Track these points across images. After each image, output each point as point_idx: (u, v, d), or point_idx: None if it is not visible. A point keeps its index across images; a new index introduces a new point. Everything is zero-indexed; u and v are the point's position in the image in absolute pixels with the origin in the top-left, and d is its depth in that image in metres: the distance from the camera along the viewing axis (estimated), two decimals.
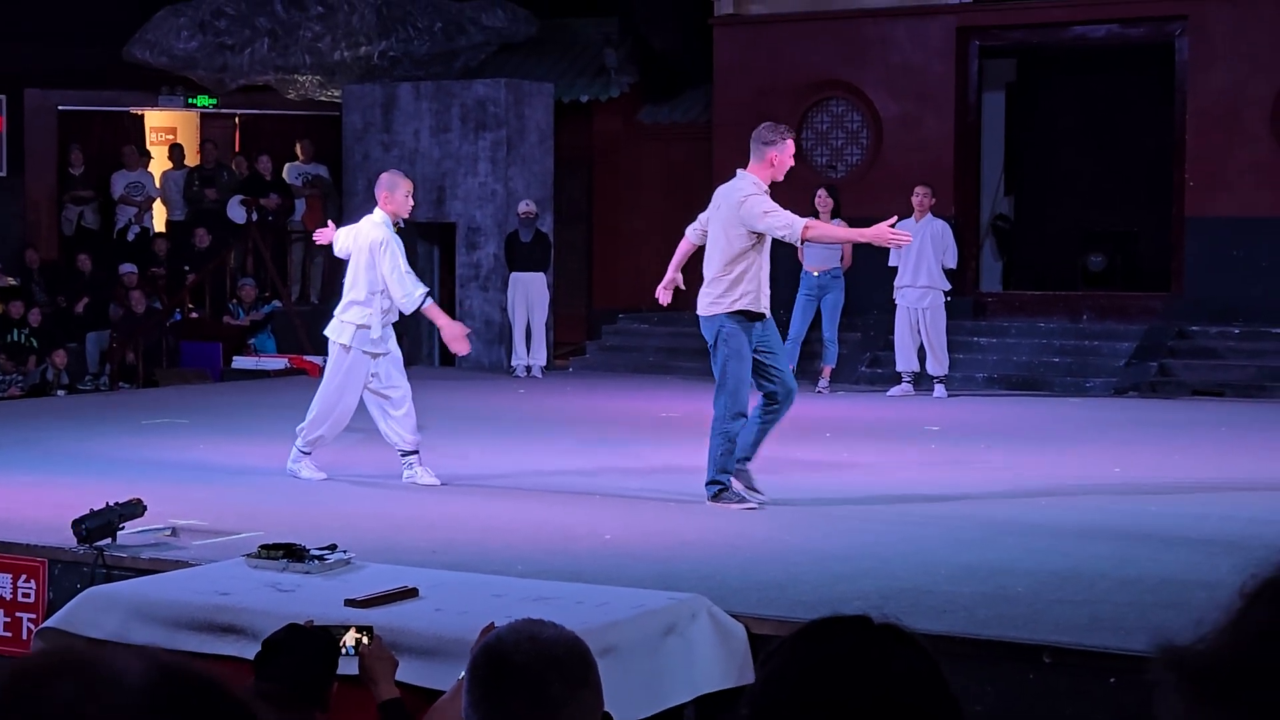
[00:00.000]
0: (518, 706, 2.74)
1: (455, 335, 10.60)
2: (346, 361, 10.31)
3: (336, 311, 10.47)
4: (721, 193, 9.56)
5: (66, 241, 22.21)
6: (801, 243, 9.56)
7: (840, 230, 10.20)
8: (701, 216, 9.80)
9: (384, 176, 10.66)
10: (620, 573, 7.37)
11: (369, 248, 10.29)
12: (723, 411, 9.41)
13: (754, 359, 9.41)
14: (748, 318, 9.39)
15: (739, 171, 9.57)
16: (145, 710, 1.00)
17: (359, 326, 10.27)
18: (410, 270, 10.36)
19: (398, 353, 10.48)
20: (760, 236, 9.38)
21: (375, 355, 10.29)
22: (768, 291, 9.49)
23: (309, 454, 10.46)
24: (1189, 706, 0.99)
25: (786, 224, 9.27)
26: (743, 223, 9.32)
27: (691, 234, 9.92)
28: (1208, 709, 0.98)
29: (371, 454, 10.79)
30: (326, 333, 10.50)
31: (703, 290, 9.50)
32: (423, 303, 10.28)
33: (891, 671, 1.74)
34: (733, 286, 9.36)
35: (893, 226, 9.46)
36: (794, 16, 19.84)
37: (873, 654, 1.75)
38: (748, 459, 9.55)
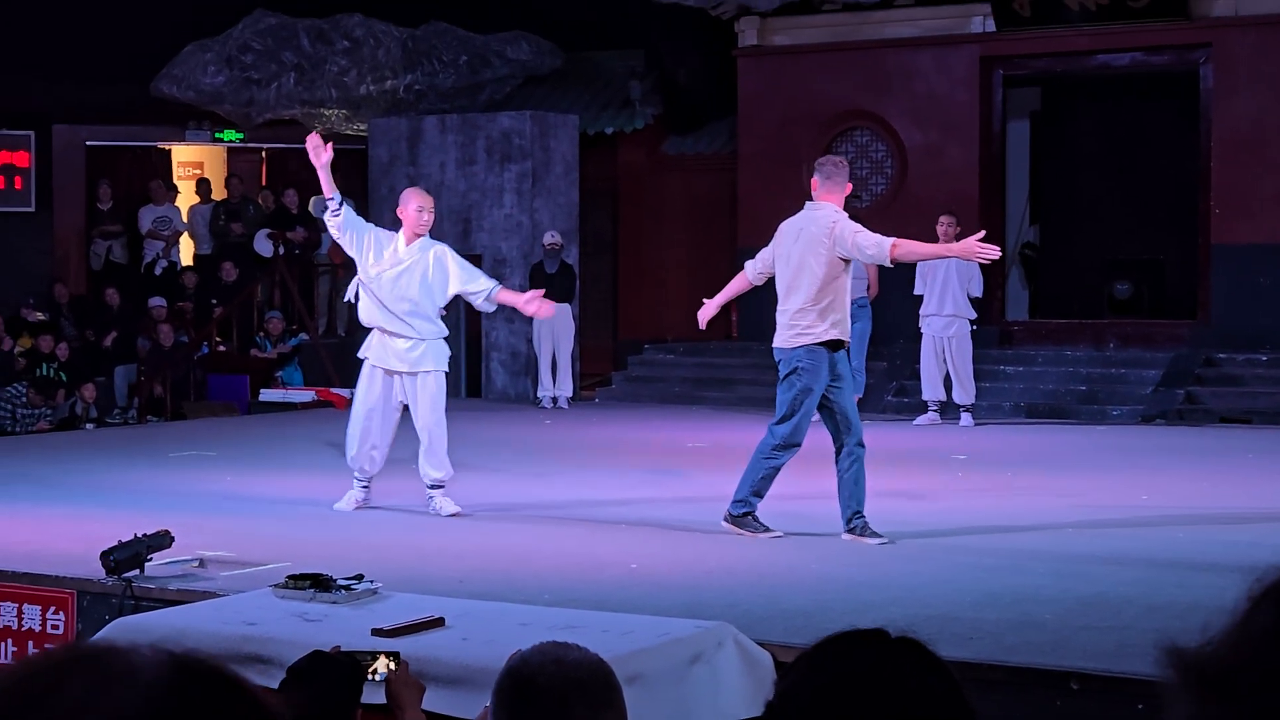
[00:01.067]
0: None
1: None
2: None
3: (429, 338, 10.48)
4: (795, 225, 9.44)
5: (95, 276, 22.34)
6: (891, 262, 9.54)
7: (927, 246, 10.07)
8: (764, 255, 9.69)
9: (402, 193, 10.79)
10: (646, 601, 7.37)
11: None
12: (779, 440, 9.35)
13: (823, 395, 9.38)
14: (831, 347, 9.35)
15: (811, 203, 9.54)
16: (159, 704, 1.01)
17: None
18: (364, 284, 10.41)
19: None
20: (847, 262, 9.38)
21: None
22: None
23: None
24: (1194, 708, 1.00)
25: (876, 243, 9.28)
26: (837, 247, 9.30)
27: (751, 273, 9.78)
28: (1212, 710, 0.99)
29: (398, 484, 10.81)
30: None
31: (786, 322, 9.35)
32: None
33: (908, 687, 1.74)
34: (822, 316, 9.32)
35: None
36: (818, 47, 19.89)
37: (890, 669, 1.76)
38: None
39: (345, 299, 10.80)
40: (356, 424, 10.49)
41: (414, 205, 10.39)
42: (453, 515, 10.19)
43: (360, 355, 10.57)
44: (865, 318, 16.89)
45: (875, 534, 9.22)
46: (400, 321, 10.28)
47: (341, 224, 10.46)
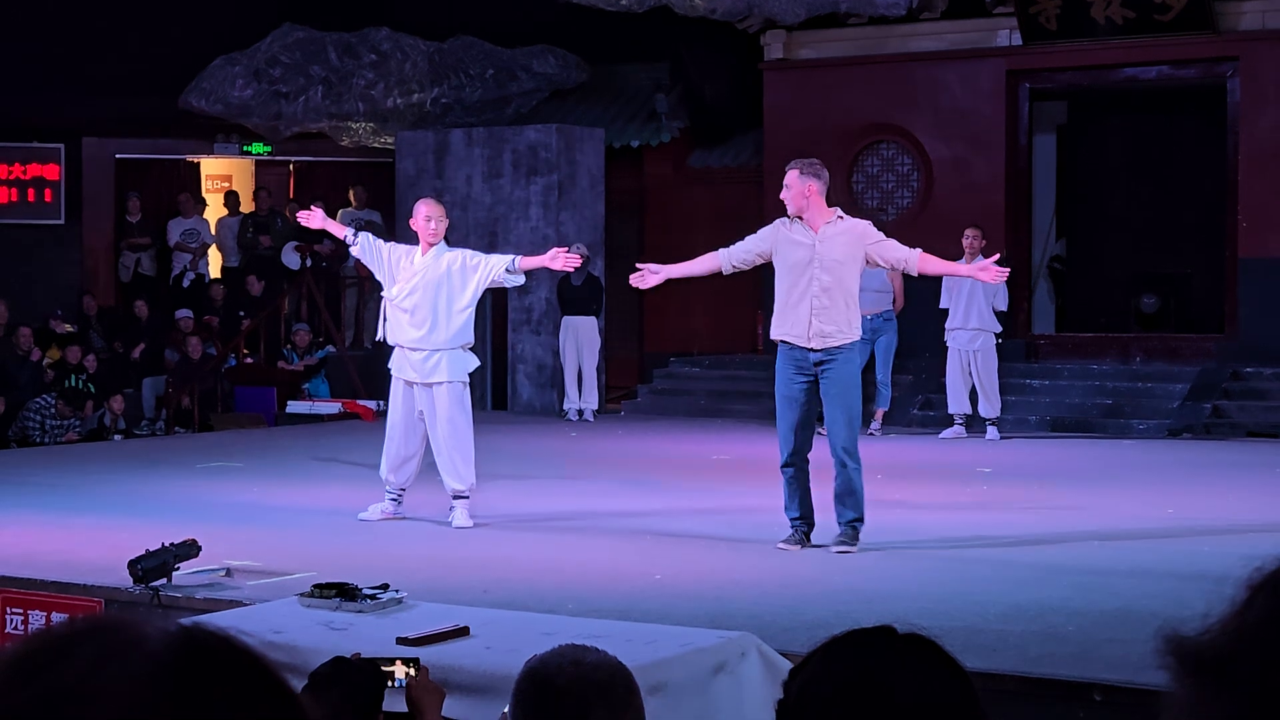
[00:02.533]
0: None
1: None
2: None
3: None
4: (825, 229, 9.50)
5: (123, 288, 22.45)
6: (917, 274, 9.67)
7: (946, 264, 10.20)
8: (753, 251, 9.75)
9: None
10: (670, 611, 7.39)
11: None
12: (855, 444, 9.40)
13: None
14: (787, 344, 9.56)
15: (834, 209, 9.60)
16: (167, 674, 1.02)
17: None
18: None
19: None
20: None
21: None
22: None
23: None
24: (1191, 695, 1.02)
25: (906, 255, 9.49)
26: (878, 253, 9.45)
27: (725, 264, 9.87)
28: (1208, 696, 1.01)
29: (424, 496, 10.84)
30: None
31: (830, 321, 9.37)
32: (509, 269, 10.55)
33: (918, 682, 1.76)
34: (857, 314, 9.52)
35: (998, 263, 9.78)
36: (844, 61, 19.90)
37: (899, 665, 1.77)
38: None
39: (378, 338, 10.88)
40: (388, 437, 10.60)
41: (423, 215, 10.50)
42: (460, 528, 10.21)
43: (389, 366, 10.70)
44: (891, 330, 16.89)
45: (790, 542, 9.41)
46: (417, 333, 10.37)
47: (359, 253, 10.66)
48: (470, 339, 10.54)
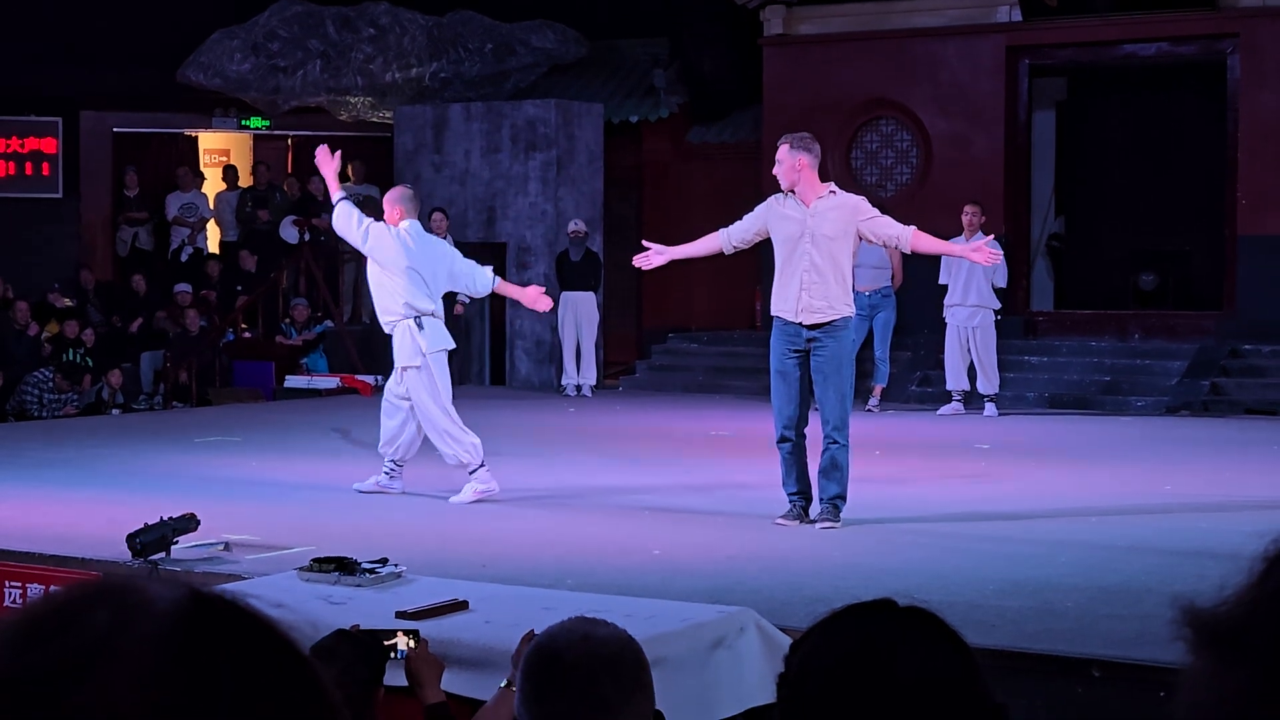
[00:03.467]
0: (570, 705, 2.76)
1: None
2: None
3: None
4: (817, 204, 9.48)
5: (121, 262, 22.42)
6: (910, 251, 9.67)
7: (939, 243, 10.14)
8: (750, 229, 9.75)
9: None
10: (669, 587, 7.39)
11: None
12: (845, 422, 9.40)
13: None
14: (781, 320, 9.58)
15: (828, 184, 9.59)
16: (179, 638, 1.02)
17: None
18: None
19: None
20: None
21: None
22: None
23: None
24: (1206, 665, 1.02)
25: (900, 231, 9.52)
26: (870, 230, 9.46)
27: (726, 244, 9.86)
28: (1225, 668, 1.01)
29: (423, 471, 10.84)
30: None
31: (819, 296, 9.36)
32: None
33: (920, 654, 1.76)
34: (848, 290, 9.49)
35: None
36: (843, 36, 19.86)
37: (901, 637, 1.77)
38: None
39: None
40: (383, 412, 10.69)
41: (386, 203, 10.57)
42: (458, 501, 10.23)
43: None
44: (890, 307, 16.90)
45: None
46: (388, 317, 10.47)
47: (341, 219, 10.74)
48: (416, 313, 10.50)
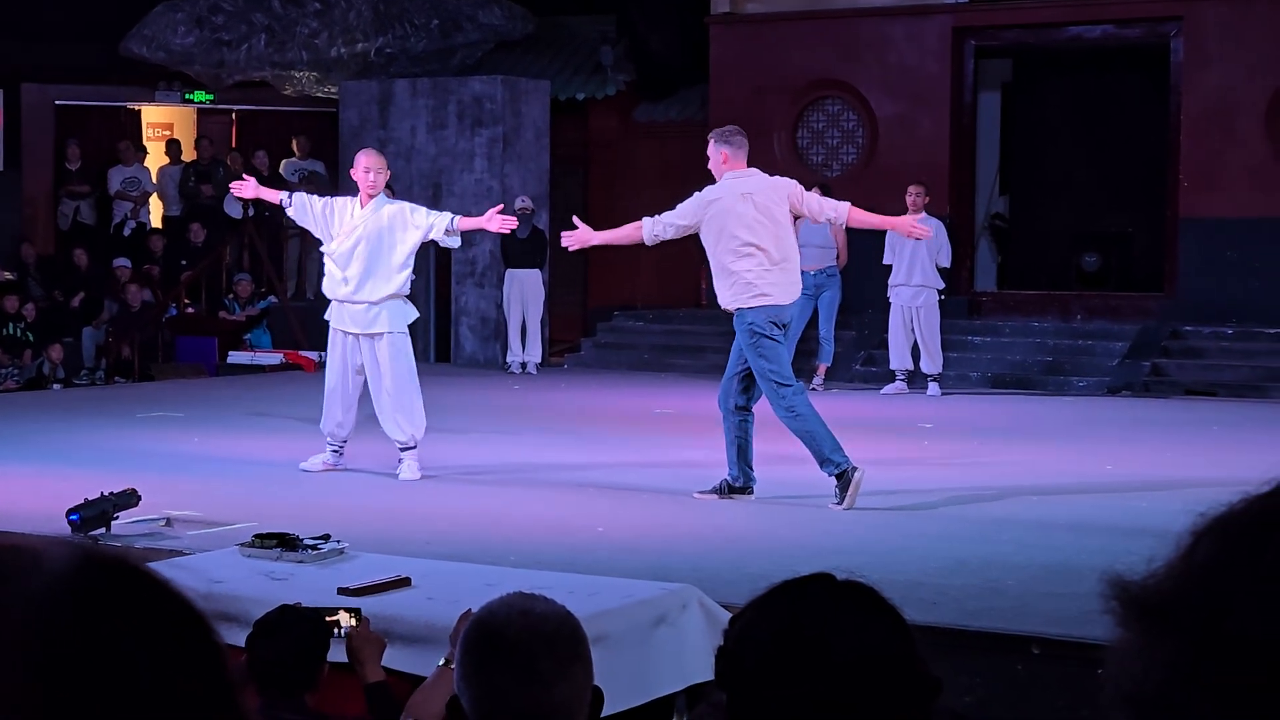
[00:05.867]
0: (509, 681, 2.76)
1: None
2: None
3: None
4: (753, 186, 9.45)
5: (63, 236, 22.23)
6: (845, 226, 9.74)
7: (875, 216, 10.15)
8: (680, 222, 9.69)
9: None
10: (612, 564, 7.41)
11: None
12: (778, 399, 9.38)
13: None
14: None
15: (753, 170, 9.59)
16: (65, 596, 1.02)
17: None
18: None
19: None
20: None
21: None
22: None
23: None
24: (1134, 637, 1.03)
25: (835, 207, 9.57)
26: (805, 209, 9.48)
27: (648, 234, 9.77)
28: (1152, 639, 1.02)
29: (367, 447, 10.81)
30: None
31: (772, 279, 9.36)
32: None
33: (857, 626, 1.77)
34: (795, 269, 9.51)
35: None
36: (790, 15, 19.87)
37: (838, 611, 1.78)
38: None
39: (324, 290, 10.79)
40: (327, 389, 10.57)
41: (362, 166, 10.43)
42: (407, 480, 10.20)
43: (325, 318, 10.64)
44: (834, 287, 16.94)
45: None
46: (354, 287, 10.31)
47: (295, 215, 10.59)
48: (407, 290, 10.50)
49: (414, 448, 10.36)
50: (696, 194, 9.63)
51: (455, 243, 10.69)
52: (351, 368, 10.42)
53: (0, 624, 1.00)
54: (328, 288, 10.57)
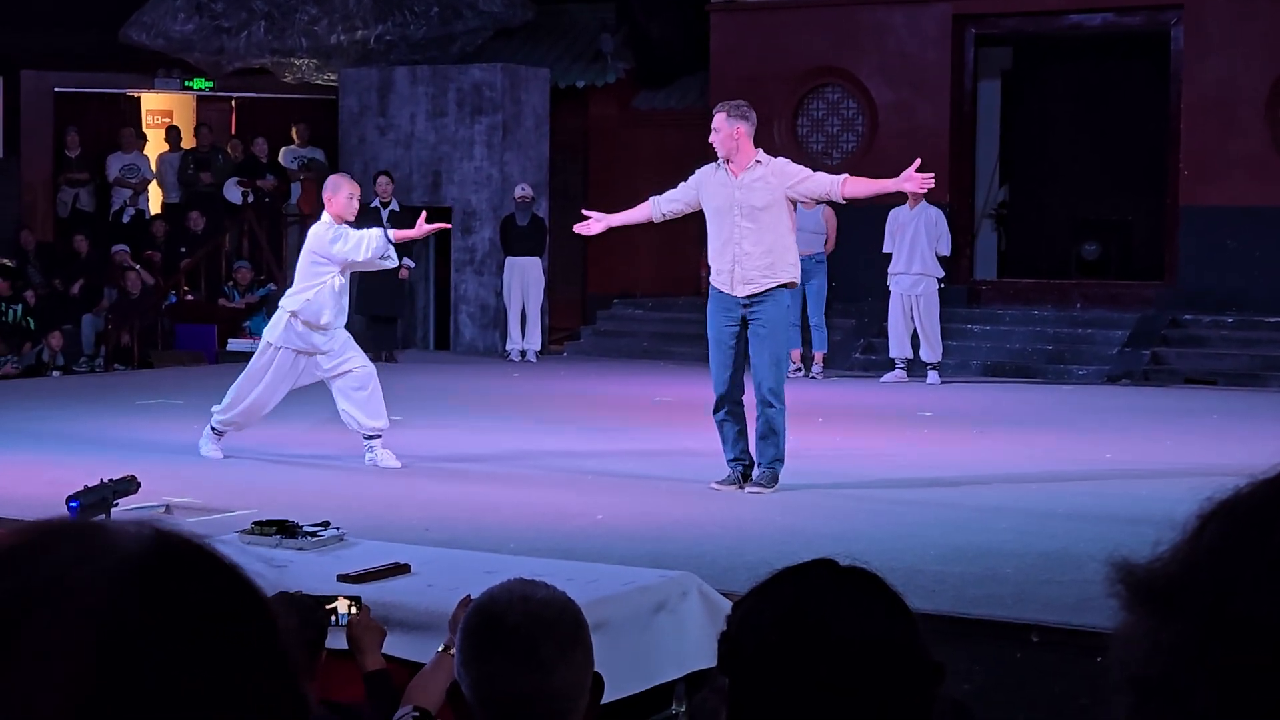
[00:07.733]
0: (509, 667, 2.76)
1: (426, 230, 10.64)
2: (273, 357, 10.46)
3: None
4: (744, 176, 9.46)
5: (62, 223, 22.21)
6: (844, 200, 9.68)
7: (871, 182, 10.03)
8: (680, 200, 9.71)
9: (329, 179, 10.71)
10: (612, 551, 7.41)
11: (311, 249, 10.39)
12: (780, 386, 9.38)
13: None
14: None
15: (757, 151, 9.56)
16: (137, 576, 1.02)
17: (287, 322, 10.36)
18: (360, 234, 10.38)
19: (347, 335, 10.56)
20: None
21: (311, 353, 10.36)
22: None
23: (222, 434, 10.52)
24: (1140, 621, 1.03)
25: (830, 185, 9.50)
26: (802, 193, 9.50)
27: (655, 212, 9.82)
28: (1157, 622, 1.02)
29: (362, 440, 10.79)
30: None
31: (753, 268, 9.36)
32: (387, 240, 10.32)
33: (859, 612, 1.77)
34: (785, 257, 9.46)
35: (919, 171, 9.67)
36: (790, 3, 19.85)
37: (841, 596, 1.78)
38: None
39: None
40: (249, 381, 10.79)
41: (345, 193, 10.31)
42: (389, 467, 10.20)
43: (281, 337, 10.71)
44: (821, 274, 16.84)
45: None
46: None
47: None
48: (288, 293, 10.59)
49: (379, 436, 10.34)
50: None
51: (390, 264, 10.73)
52: (292, 374, 10.53)
53: (74, 602, 1.00)
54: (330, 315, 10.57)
